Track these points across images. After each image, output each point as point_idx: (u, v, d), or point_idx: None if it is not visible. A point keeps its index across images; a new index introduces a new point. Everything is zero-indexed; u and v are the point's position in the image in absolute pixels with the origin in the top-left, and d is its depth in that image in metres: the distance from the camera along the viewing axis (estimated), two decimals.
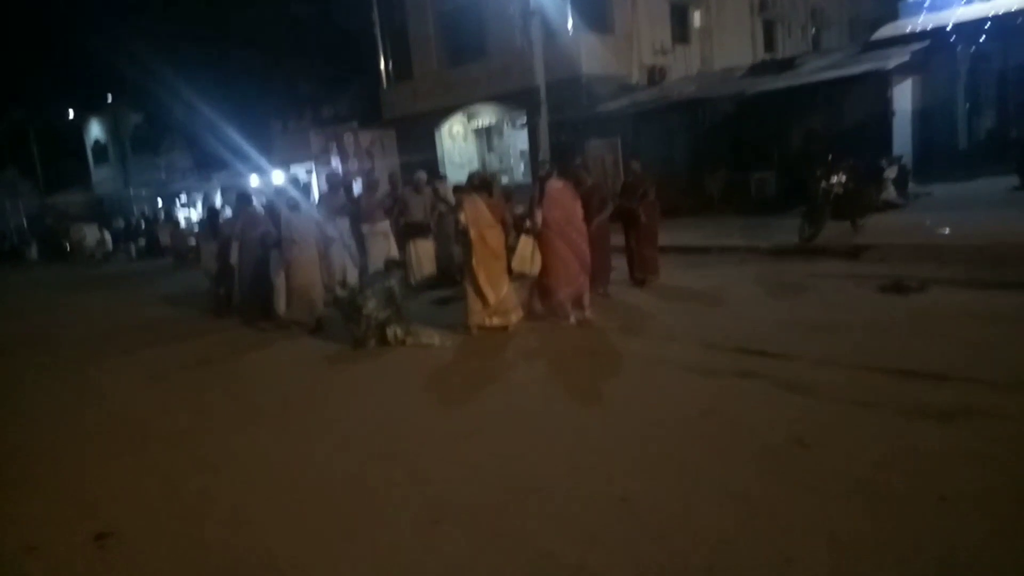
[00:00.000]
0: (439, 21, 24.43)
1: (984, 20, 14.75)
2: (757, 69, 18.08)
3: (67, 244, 30.30)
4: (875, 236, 10.26)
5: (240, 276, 10.07)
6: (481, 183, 8.30)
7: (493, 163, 25.39)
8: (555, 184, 7.65)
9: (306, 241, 9.20)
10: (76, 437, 5.63)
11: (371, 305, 7.65)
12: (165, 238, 25.04)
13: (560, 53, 20.95)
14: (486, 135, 26.49)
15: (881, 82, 14.80)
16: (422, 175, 11.06)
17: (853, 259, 9.50)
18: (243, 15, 28.32)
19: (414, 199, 10.84)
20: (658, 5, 22.40)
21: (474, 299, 7.74)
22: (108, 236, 29.65)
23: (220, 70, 29.72)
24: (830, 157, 10.67)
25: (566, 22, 20.77)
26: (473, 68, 23.33)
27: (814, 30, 27.71)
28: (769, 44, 26.16)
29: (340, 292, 10.44)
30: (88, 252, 28.91)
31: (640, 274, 9.63)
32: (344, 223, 10.48)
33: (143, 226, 29.40)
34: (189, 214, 32.25)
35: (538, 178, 11.59)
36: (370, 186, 11.37)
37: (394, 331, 7.70)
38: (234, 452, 4.88)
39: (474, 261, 7.69)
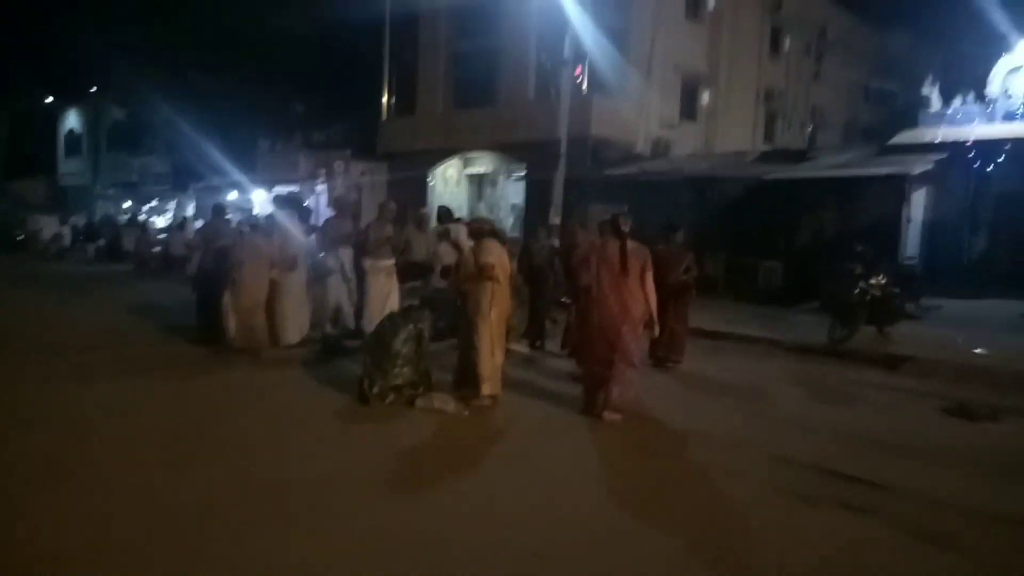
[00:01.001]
0: (451, 62, 23.92)
1: (1005, 141, 14.63)
2: (769, 156, 17.80)
3: (20, 234, 28.48)
4: (906, 347, 9.61)
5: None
6: (492, 231, 7.37)
7: (483, 213, 24.63)
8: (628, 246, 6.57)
9: (257, 264, 8.63)
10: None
11: (406, 351, 6.60)
12: (129, 243, 23.55)
13: (571, 110, 20.51)
14: (478, 183, 25.83)
15: (899, 187, 14.51)
16: (427, 211, 10.14)
17: (892, 370, 8.78)
18: (246, 26, 27.43)
19: (417, 237, 9.89)
20: (671, 78, 22.23)
21: (488, 360, 6.73)
22: (67, 231, 27.97)
23: (213, 79, 28.66)
24: (869, 257, 10.06)
25: (581, 80, 20.39)
26: (479, 114, 22.75)
27: (811, 128, 27.90)
28: (769, 135, 26.19)
29: (330, 330, 9.44)
30: (42, 245, 27.14)
31: (664, 353, 8.77)
32: (347, 254, 9.45)
33: (106, 226, 27.77)
34: (157, 220, 30.71)
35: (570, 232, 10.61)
36: (381, 216, 10.20)
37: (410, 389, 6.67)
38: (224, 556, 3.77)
39: (495, 313, 6.71)
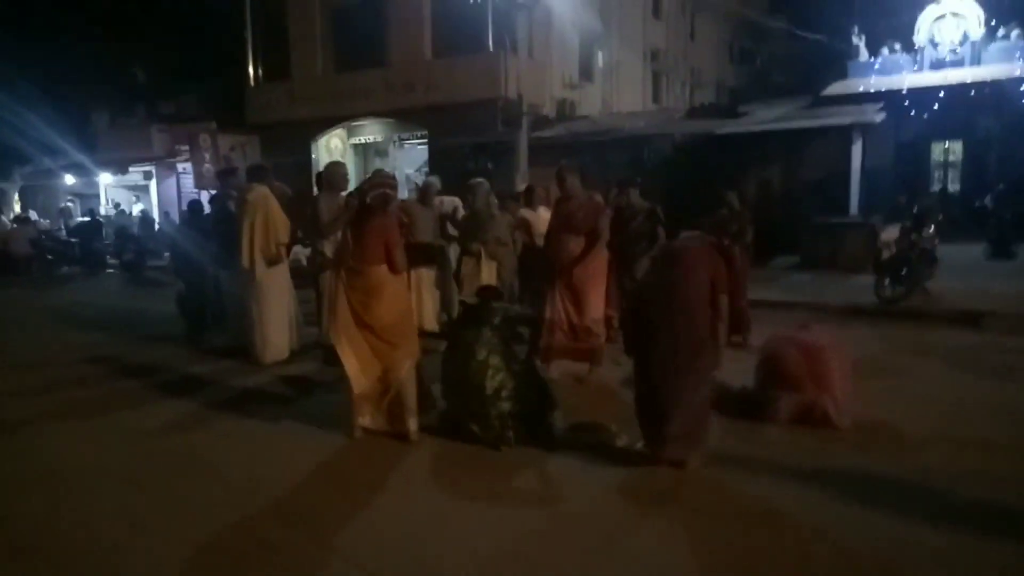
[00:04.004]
0: (330, 19, 20.66)
1: (938, 88, 14.30)
2: (698, 112, 16.63)
3: None
4: (955, 300, 8.63)
5: None
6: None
7: None
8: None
9: None
10: None
11: (499, 377, 4.49)
12: None
13: (478, 70, 18.31)
14: (364, 153, 22.94)
15: (847, 137, 13.82)
16: (435, 180, 7.77)
17: (973, 327, 7.70)
18: None
19: (422, 213, 7.50)
20: (570, 38, 20.53)
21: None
22: None
23: (30, 43, 23.37)
24: (915, 209, 9.00)
25: (487, 37, 18.22)
26: (367, 76, 19.86)
27: (690, 88, 27.44)
28: (656, 95, 25.37)
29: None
30: None
31: (738, 333, 7.10)
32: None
33: None
34: None
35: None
36: (332, 186, 6.99)
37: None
38: None
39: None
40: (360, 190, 4.72)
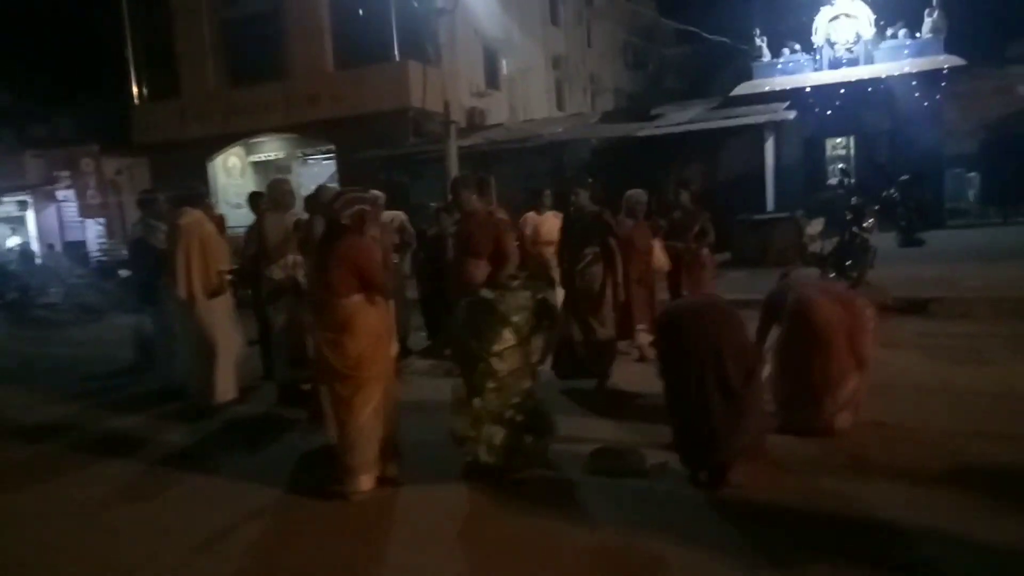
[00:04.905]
0: (220, 31, 19.47)
1: (836, 86, 14.94)
2: (612, 116, 16.71)
3: None
4: (896, 287, 8.87)
5: None
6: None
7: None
8: None
9: None
10: None
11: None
12: None
13: (384, 80, 17.75)
14: (265, 171, 21.79)
15: (758, 135, 14.19)
16: (380, 194, 7.15)
17: (921, 314, 7.90)
18: None
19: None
20: (474, 46, 20.29)
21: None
22: None
23: None
24: (853, 200, 9.17)
25: (392, 46, 17.71)
26: (266, 90, 18.84)
27: (591, 94, 27.79)
28: (560, 102, 25.49)
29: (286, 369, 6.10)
30: None
31: None
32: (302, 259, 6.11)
33: None
34: None
35: None
36: (279, 205, 6.30)
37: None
38: None
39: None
40: (332, 208, 4.11)
